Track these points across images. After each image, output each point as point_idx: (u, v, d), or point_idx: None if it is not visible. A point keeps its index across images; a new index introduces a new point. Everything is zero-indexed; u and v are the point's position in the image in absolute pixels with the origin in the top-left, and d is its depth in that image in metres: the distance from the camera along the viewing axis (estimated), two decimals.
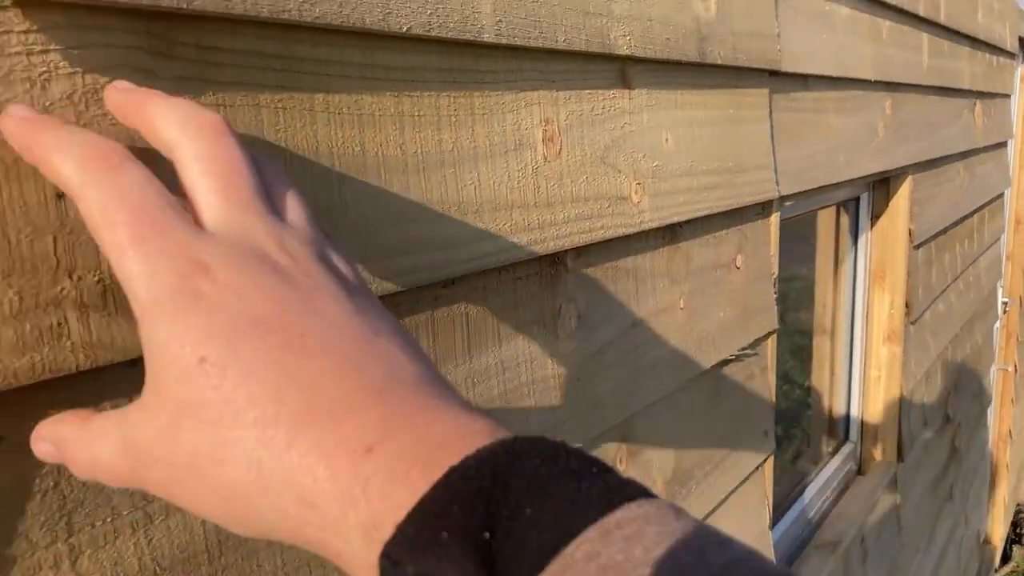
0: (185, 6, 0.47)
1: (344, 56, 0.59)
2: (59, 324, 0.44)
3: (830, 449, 2.14)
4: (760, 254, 1.28)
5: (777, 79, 1.28)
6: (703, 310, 1.11)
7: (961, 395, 2.92)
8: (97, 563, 0.47)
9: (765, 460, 1.33)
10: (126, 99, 0.43)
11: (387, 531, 0.33)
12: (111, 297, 0.46)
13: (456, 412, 0.37)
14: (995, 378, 4.42)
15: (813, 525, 1.87)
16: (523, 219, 0.76)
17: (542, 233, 0.79)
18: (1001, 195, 3.43)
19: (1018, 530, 5.92)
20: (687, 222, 1.06)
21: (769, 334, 1.32)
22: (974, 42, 2.65)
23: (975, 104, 2.76)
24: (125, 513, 0.48)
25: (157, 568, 0.49)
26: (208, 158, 0.40)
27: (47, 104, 0.43)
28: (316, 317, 0.38)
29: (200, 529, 0.52)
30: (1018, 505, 6.22)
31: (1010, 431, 4.45)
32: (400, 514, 0.32)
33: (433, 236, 0.67)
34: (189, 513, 0.51)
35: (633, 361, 0.96)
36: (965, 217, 2.74)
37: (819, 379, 2.20)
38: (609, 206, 0.89)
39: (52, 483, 0.45)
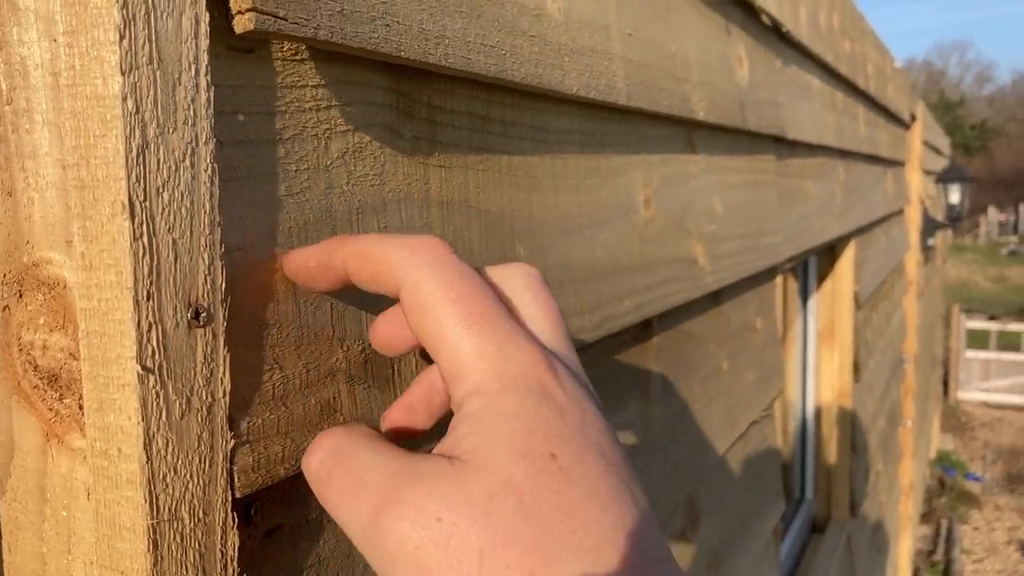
0: (431, 60, 0.45)
1: (522, 118, 0.58)
2: (334, 398, 0.40)
3: (789, 508, 2.18)
4: (771, 315, 1.31)
5: (779, 145, 1.33)
6: (738, 372, 1.13)
7: (888, 451, 3.04)
8: None
9: (776, 522, 1.35)
10: (337, 247, 0.37)
11: None
12: (371, 368, 0.43)
13: None
14: (900, 434, 4.63)
15: None
16: (632, 282, 0.76)
17: (644, 296, 0.78)
18: (903, 259, 3.64)
19: None
20: (725, 287, 1.08)
21: (779, 394, 1.34)
22: (887, 114, 2.83)
23: (887, 172, 2.94)
24: None
25: None
26: (445, 284, 0.34)
27: (327, 163, 0.40)
28: (604, 463, 0.33)
29: None
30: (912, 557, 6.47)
31: (911, 483, 4.65)
32: None
33: (575, 301, 0.65)
34: None
35: (697, 426, 0.96)
36: (884, 279, 2.89)
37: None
38: (686, 269, 0.89)
39: (315, 574, 0.41)
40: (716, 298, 1.05)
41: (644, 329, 0.83)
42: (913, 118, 4.18)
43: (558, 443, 0.32)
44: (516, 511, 0.30)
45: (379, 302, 0.43)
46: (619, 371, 0.78)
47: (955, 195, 4.58)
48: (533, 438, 0.31)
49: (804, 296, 2.20)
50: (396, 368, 0.45)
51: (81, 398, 0.33)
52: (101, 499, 0.32)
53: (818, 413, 2.21)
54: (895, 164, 3.19)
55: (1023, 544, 6.86)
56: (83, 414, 0.32)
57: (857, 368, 2.20)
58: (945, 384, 10.79)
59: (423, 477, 0.31)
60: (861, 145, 2.19)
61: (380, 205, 0.44)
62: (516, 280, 0.37)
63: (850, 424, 2.20)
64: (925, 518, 7.35)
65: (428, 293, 0.34)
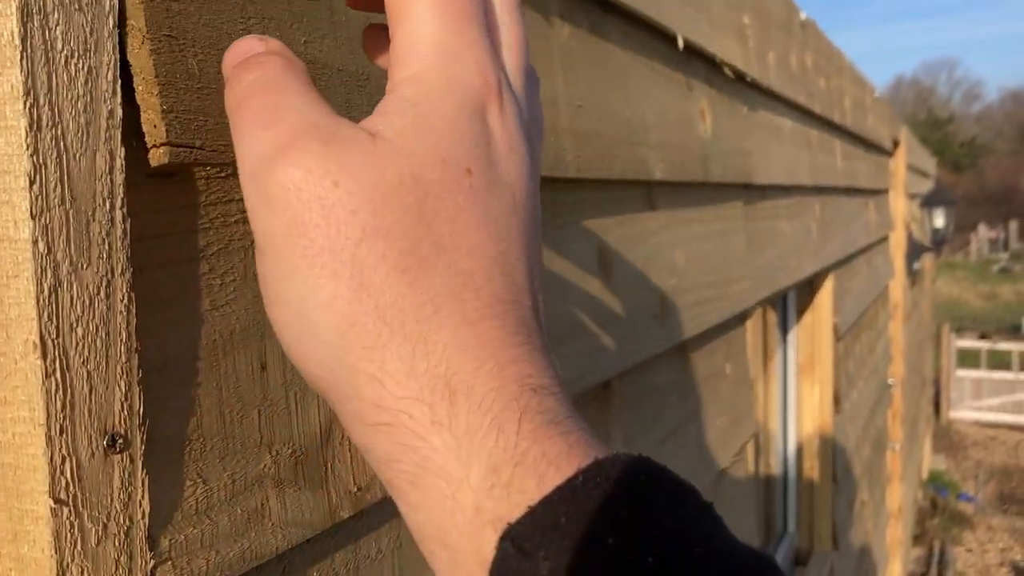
0: None
1: None
2: (262, 505, 0.41)
3: (772, 541, 2.19)
4: (741, 359, 1.32)
5: (747, 191, 1.35)
6: (708, 421, 1.13)
7: (873, 477, 3.04)
8: None
9: None
10: None
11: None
12: (301, 469, 0.43)
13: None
14: (888, 458, 4.64)
15: None
16: (587, 346, 0.77)
17: (601, 359, 0.79)
18: (887, 285, 3.66)
19: None
20: (692, 338, 1.09)
21: (751, 437, 1.35)
22: (867, 144, 2.85)
23: (868, 201, 2.96)
24: None
25: None
26: None
27: (255, 272, 0.41)
28: (512, 207, 0.32)
29: None
30: None
31: (900, 507, 4.65)
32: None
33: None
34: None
35: None
36: (867, 308, 2.91)
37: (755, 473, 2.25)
38: (645, 326, 0.90)
39: None
40: (682, 349, 1.06)
41: (603, 389, 0.84)
42: (896, 143, 4.22)
43: (477, 163, 0.31)
44: (414, 208, 0.29)
45: (308, 402, 0.44)
46: None
47: (940, 219, 4.62)
48: (456, 148, 0.30)
49: (784, 329, 2.21)
50: (329, 467, 0.45)
51: None
52: None
53: (799, 445, 2.22)
54: (878, 192, 3.22)
55: (1016, 566, 6.85)
56: None
57: (837, 400, 2.21)
58: (937, 404, 10.81)
59: (340, 138, 0.30)
60: (838, 179, 2.21)
61: None
62: None
63: (831, 456, 2.20)
64: (918, 540, 7.34)
65: None
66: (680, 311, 1.00)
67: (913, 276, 4.80)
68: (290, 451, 0.43)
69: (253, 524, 0.40)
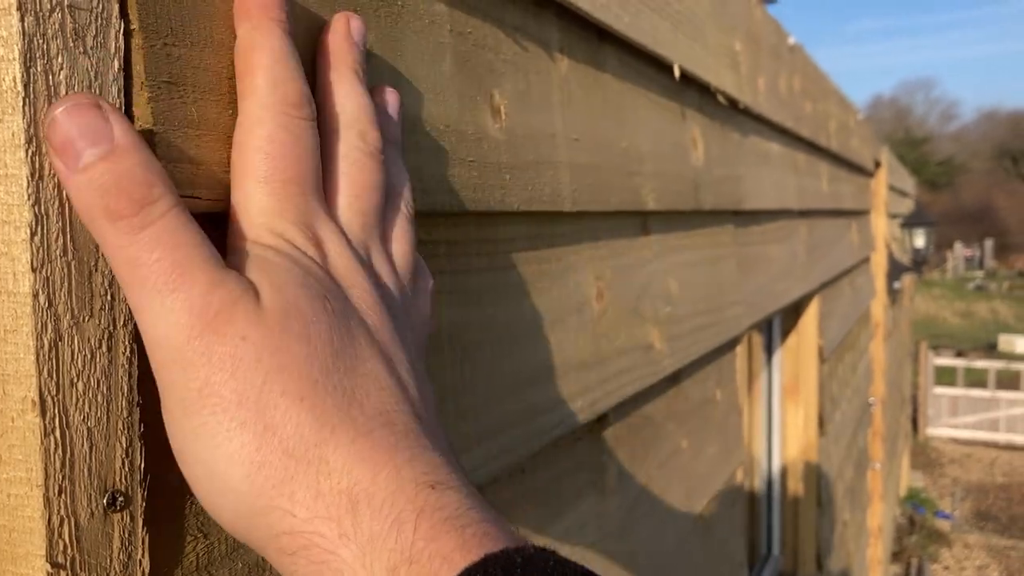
0: None
1: (465, 235, 0.58)
2: (263, 558, 0.40)
3: (757, 564, 2.18)
4: (731, 385, 1.31)
5: (737, 216, 1.34)
6: (699, 448, 1.13)
7: (855, 498, 3.05)
8: None
9: None
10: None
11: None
12: None
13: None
14: (868, 477, 4.65)
15: None
16: (585, 379, 0.76)
17: (598, 392, 0.78)
18: (869, 305, 3.68)
19: None
20: (686, 366, 1.08)
21: (741, 463, 1.34)
22: (851, 166, 2.87)
23: (851, 223, 2.98)
24: None
25: None
26: (265, 137, 0.35)
27: None
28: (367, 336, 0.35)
29: None
30: None
31: (880, 526, 4.66)
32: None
33: (528, 407, 0.65)
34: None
35: (657, 510, 0.96)
36: (850, 329, 2.92)
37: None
38: (641, 356, 0.89)
39: None
40: (675, 378, 1.05)
41: (599, 422, 0.83)
42: (877, 164, 4.25)
43: (329, 293, 0.34)
44: (303, 338, 0.32)
45: None
46: (575, 468, 0.77)
47: (920, 239, 4.65)
48: (308, 282, 0.34)
49: (769, 351, 2.22)
50: None
51: None
52: None
53: (784, 468, 2.21)
54: (860, 213, 3.24)
55: None
56: None
57: (822, 422, 2.21)
58: (914, 421, 10.89)
59: (240, 294, 0.32)
60: (824, 202, 2.21)
61: None
62: (357, 141, 0.39)
63: (816, 479, 2.20)
64: (896, 557, 7.37)
65: (247, 131, 0.35)
66: (674, 340, 1.00)
67: (893, 295, 4.83)
68: None
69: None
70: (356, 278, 0.36)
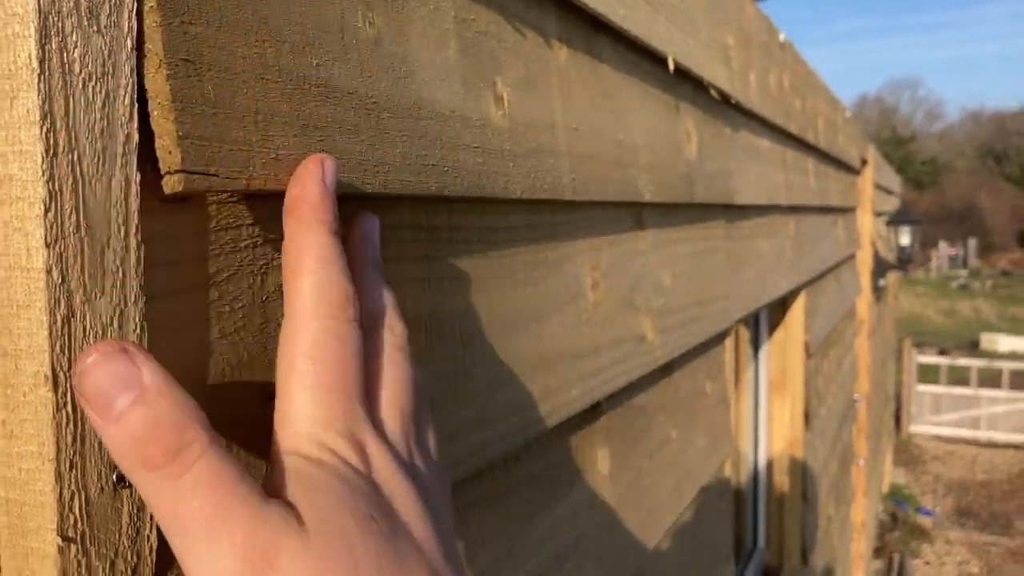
0: (369, 190, 0.46)
1: (467, 222, 0.58)
2: None
3: (743, 558, 2.19)
4: (720, 378, 1.32)
5: (728, 210, 1.35)
6: (688, 439, 1.13)
7: (840, 493, 3.07)
8: None
9: None
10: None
11: None
12: None
13: None
14: (853, 473, 4.69)
15: None
16: (580, 368, 0.76)
17: (592, 381, 0.79)
18: (854, 302, 3.70)
19: None
20: (677, 357, 1.09)
21: (728, 456, 1.35)
22: (838, 163, 2.89)
23: (838, 219, 2.99)
24: None
25: None
26: (313, 343, 0.35)
27: (264, 298, 0.40)
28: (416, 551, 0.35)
29: None
30: None
31: (863, 522, 4.70)
32: None
33: (523, 394, 0.66)
34: None
35: (646, 500, 0.96)
36: (836, 324, 2.94)
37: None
38: (635, 346, 0.90)
39: None
40: (667, 369, 1.06)
41: (592, 411, 0.83)
42: (864, 162, 4.28)
43: (375, 516, 0.34)
44: (348, 565, 0.32)
45: None
46: (567, 456, 0.78)
47: (905, 237, 4.69)
48: (354, 501, 0.33)
49: (756, 345, 2.23)
50: None
51: None
52: None
53: (770, 462, 2.23)
54: (846, 211, 3.26)
55: None
56: None
57: (808, 417, 2.23)
58: (897, 418, 10.97)
59: (287, 529, 0.31)
60: (811, 198, 2.23)
61: None
62: (388, 336, 0.39)
63: (801, 473, 2.22)
64: (878, 553, 7.42)
65: (292, 336, 0.35)
66: (666, 331, 1.00)
67: (878, 293, 4.86)
68: None
69: None
70: (401, 485, 0.36)
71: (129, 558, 0.33)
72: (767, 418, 2.22)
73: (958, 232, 34.93)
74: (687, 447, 1.13)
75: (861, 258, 4.44)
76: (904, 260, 4.79)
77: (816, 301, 2.39)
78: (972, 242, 33.52)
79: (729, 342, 1.93)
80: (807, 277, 2.12)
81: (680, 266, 1.08)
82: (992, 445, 10.45)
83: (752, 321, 2.23)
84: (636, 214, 0.93)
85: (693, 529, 1.17)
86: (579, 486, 0.79)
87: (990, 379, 11.33)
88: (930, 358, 12.04)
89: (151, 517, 0.34)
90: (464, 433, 0.56)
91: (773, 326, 2.25)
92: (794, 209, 1.97)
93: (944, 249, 32.58)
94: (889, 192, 6.41)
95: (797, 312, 2.21)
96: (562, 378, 0.72)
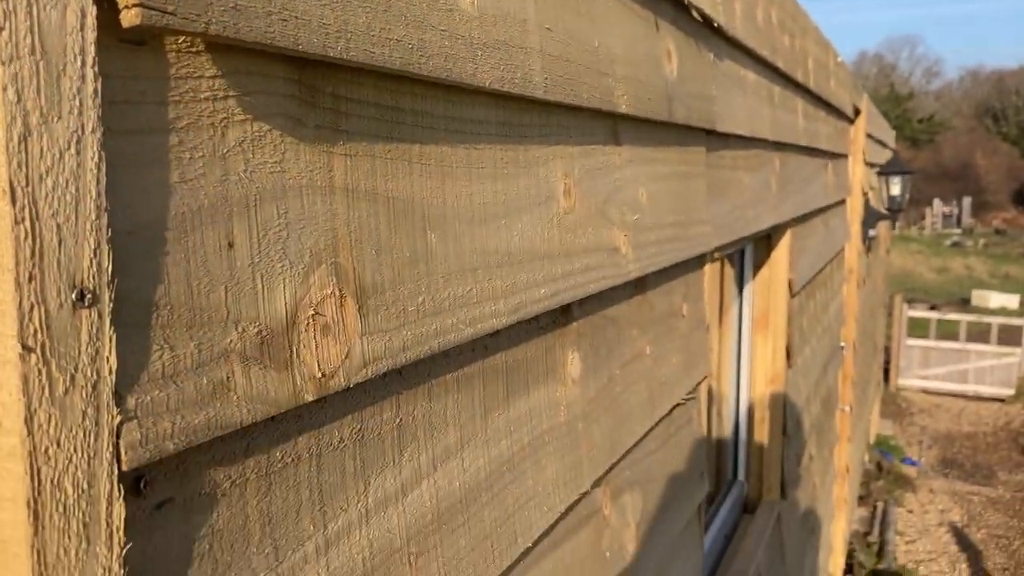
0: (331, 54, 0.47)
1: (434, 108, 0.59)
2: (228, 378, 0.42)
3: (722, 489, 2.24)
4: (698, 303, 1.34)
5: (710, 138, 1.36)
6: (662, 356, 1.16)
7: (822, 435, 3.11)
8: None
9: (701, 501, 1.39)
10: None
11: None
12: (267, 349, 0.44)
13: None
14: (837, 418, 4.74)
15: (715, 559, 1.94)
16: (550, 270, 0.78)
17: (563, 283, 0.81)
18: (843, 248, 3.72)
19: (849, 560, 6.31)
20: (651, 273, 1.11)
21: (704, 378, 1.38)
22: (828, 107, 2.88)
23: (828, 164, 3.00)
24: (262, 575, 0.46)
25: None
26: None
27: (224, 151, 0.42)
28: None
29: None
30: (849, 537, 6.64)
31: (847, 466, 4.77)
32: None
33: (489, 287, 0.67)
34: None
35: (617, 408, 0.99)
36: (822, 268, 2.96)
37: (707, 422, 2.29)
38: (607, 257, 0.92)
39: (207, 546, 0.42)
40: (641, 285, 1.08)
41: (563, 314, 0.85)
42: (857, 112, 4.26)
43: None
44: None
45: (275, 285, 0.45)
46: (536, 355, 0.80)
47: (896, 187, 4.69)
48: None
49: (740, 284, 2.25)
50: (294, 350, 0.46)
51: None
52: None
53: (752, 398, 2.26)
54: (837, 156, 3.26)
55: (953, 526, 7.07)
56: None
57: (790, 354, 2.26)
58: (886, 371, 11.06)
59: None
60: (799, 138, 2.23)
61: (280, 192, 0.45)
62: None
63: (782, 408, 2.25)
64: (863, 501, 7.54)
65: None
66: (640, 247, 1.02)
67: (869, 243, 4.88)
68: (256, 330, 0.44)
69: (218, 395, 0.41)
70: None
71: (89, 374, 0.35)
72: (750, 355, 2.25)
73: (953, 191, 34.87)
74: (661, 363, 1.15)
75: (851, 206, 4.45)
76: (894, 210, 4.80)
77: (802, 241, 2.41)
78: (967, 201, 33.50)
79: (712, 276, 1.95)
80: (792, 215, 2.14)
81: (657, 185, 1.09)
82: (979, 398, 10.56)
83: (737, 259, 2.25)
84: (611, 127, 0.94)
85: (669, 442, 1.20)
86: (548, 384, 0.81)
87: (979, 334, 11.41)
88: (920, 312, 12.11)
89: (110, 340, 0.35)
90: (424, 315, 0.58)
91: (758, 265, 2.27)
92: (780, 146, 1.98)
93: (939, 207, 32.56)
94: (883, 145, 6.40)
95: (782, 251, 2.23)
96: (530, 276, 0.74)
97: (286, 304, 0.46)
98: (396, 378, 0.58)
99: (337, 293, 0.50)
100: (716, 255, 1.84)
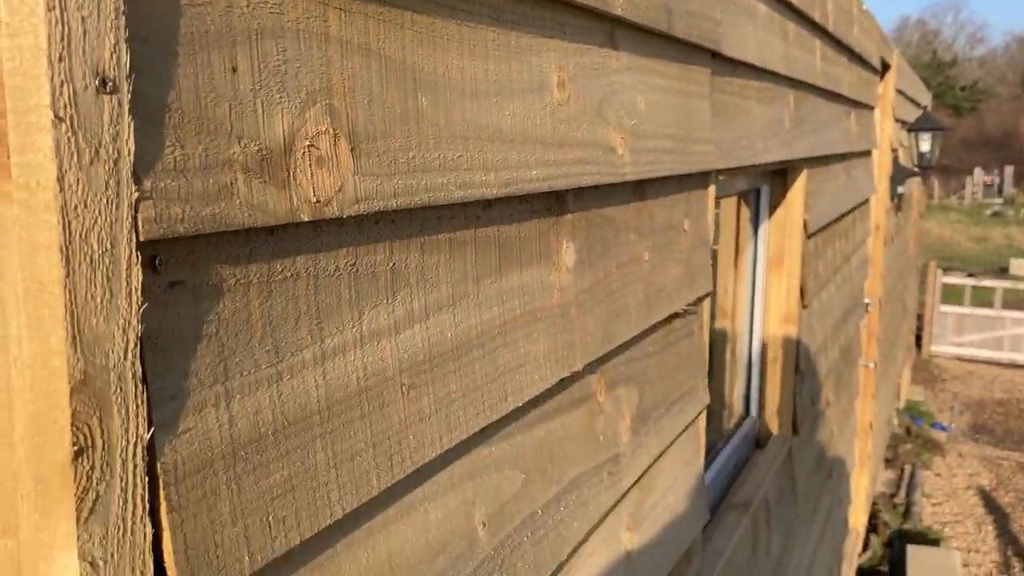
0: None
1: None
2: (231, 183, 0.48)
3: (733, 423, 2.29)
4: (701, 221, 1.39)
5: (716, 61, 1.40)
6: (661, 264, 1.21)
7: (841, 383, 3.15)
8: (243, 408, 0.51)
9: (701, 412, 1.44)
10: None
11: None
12: (266, 166, 0.51)
13: None
14: (860, 373, 4.76)
15: (723, 488, 2.01)
16: (542, 155, 0.84)
17: (555, 170, 0.86)
18: (868, 200, 3.73)
19: (874, 520, 6.35)
20: (651, 181, 1.16)
21: (706, 295, 1.43)
22: (851, 54, 2.89)
23: (851, 112, 3.01)
24: (264, 367, 0.52)
25: (285, 421, 0.54)
26: None
27: None
28: None
29: (315, 394, 0.57)
30: (875, 498, 6.67)
31: (871, 423, 4.80)
32: None
33: (479, 157, 0.73)
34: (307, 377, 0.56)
35: (612, 303, 1.05)
36: (843, 216, 2.98)
37: (721, 359, 2.35)
38: (603, 154, 0.97)
39: (215, 329, 0.49)
40: (640, 192, 1.13)
41: (558, 203, 0.91)
42: (887, 66, 4.24)
43: None
44: None
45: (274, 111, 0.51)
46: (530, 236, 0.86)
47: (926, 143, 4.66)
48: None
49: (755, 224, 2.29)
50: (291, 173, 0.53)
51: (8, 149, 0.40)
52: (24, 224, 0.40)
53: (765, 337, 2.31)
54: (862, 107, 3.26)
55: (981, 489, 7.07)
56: (9, 160, 0.40)
57: (804, 294, 2.30)
58: (919, 338, 11.00)
59: None
60: (816, 79, 2.25)
61: (279, 31, 0.52)
62: None
63: (795, 347, 2.30)
64: (890, 464, 7.55)
65: None
66: (638, 152, 1.07)
67: (898, 201, 4.86)
68: (256, 147, 0.50)
69: (223, 196, 0.48)
70: None
71: (111, 152, 0.41)
72: (764, 294, 2.29)
73: (995, 160, 34.22)
74: (660, 271, 1.20)
75: (880, 161, 4.44)
76: (924, 167, 4.77)
77: (820, 184, 2.43)
78: (1009, 170, 32.86)
79: (728, 210, 2.00)
80: (806, 154, 2.17)
81: (656, 96, 1.14)
82: (1014, 365, 10.46)
83: (753, 200, 2.29)
84: (608, 31, 0.99)
85: (666, 349, 1.25)
86: (542, 266, 0.87)
87: (1015, 301, 11.29)
88: (955, 279, 11.98)
89: (129, 125, 0.42)
90: (414, 169, 0.64)
91: (774, 206, 2.30)
92: (795, 83, 2.01)
93: (979, 176, 32.01)
94: (916, 104, 6.34)
95: (798, 190, 2.26)
96: (522, 156, 0.80)
97: (284, 132, 0.52)
98: (389, 225, 0.64)
99: (331, 132, 0.56)
100: (731, 192, 1.88)
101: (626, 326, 1.08)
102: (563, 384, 0.94)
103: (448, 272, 0.72)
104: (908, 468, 7.38)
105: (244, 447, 0.51)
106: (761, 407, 2.34)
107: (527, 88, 0.81)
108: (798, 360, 2.31)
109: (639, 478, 1.17)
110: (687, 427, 1.37)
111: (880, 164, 4.62)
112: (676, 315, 1.29)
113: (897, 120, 4.74)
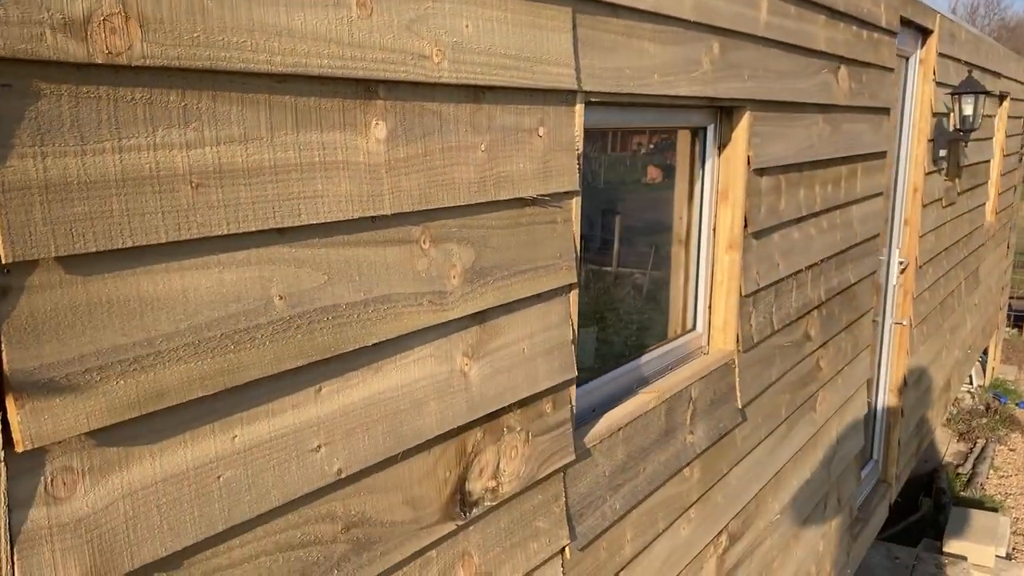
0: None
1: None
2: (41, 35, 0.88)
3: (678, 331, 2.60)
4: (564, 132, 1.72)
5: (583, 3, 1.73)
6: (504, 157, 1.56)
7: (829, 323, 3.38)
8: (55, 164, 0.91)
9: (570, 289, 1.78)
10: None
11: None
12: (69, 29, 0.90)
13: None
14: (892, 331, 4.90)
15: (645, 380, 2.32)
16: (338, 51, 1.21)
17: (354, 63, 1.23)
18: (879, 155, 3.89)
19: (931, 487, 6.40)
20: (488, 88, 1.51)
21: (571, 193, 1.76)
22: (832, 12, 3.11)
23: (839, 68, 3.22)
24: (71, 145, 0.92)
25: (86, 177, 0.94)
26: None
27: None
28: None
29: (112, 169, 0.96)
30: (937, 467, 6.70)
31: (905, 380, 4.92)
32: None
33: (268, 45, 1.11)
34: None
35: (435, 175, 1.41)
36: (827, 162, 3.20)
37: (675, 281, 2.65)
38: (412, 60, 1.33)
39: (33, 115, 0.89)
40: (475, 95, 1.49)
41: (366, 91, 1.28)
42: (926, 31, 4.38)
43: None
44: None
45: None
46: (331, 109, 1.23)
47: (968, 107, 4.74)
48: None
49: (704, 160, 2.58)
50: (88, 34, 0.92)
51: None
52: None
53: (713, 262, 2.60)
54: (859, 64, 3.46)
55: None
56: None
57: (747, 223, 2.57)
58: (1019, 319, 10.72)
59: None
60: (762, 31, 2.52)
61: None
62: None
63: (740, 272, 2.58)
64: (963, 437, 7.52)
65: None
66: (460, 63, 1.43)
67: (939, 163, 4.95)
68: (61, 16, 0.90)
69: (35, 39, 0.87)
70: None
71: None
72: (712, 225, 2.58)
73: None
74: (502, 162, 1.55)
75: (916, 123, 4.56)
76: (965, 130, 4.84)
77: (775, 127, 2.69)
78: None
79: (682, 146, 2.30)
80: (744, 96, 2.44)
81: (488, 24, 1.49)
82: None
83: (701, 137, 2.57)
84: None
85: (515, 229, 1.60)
86: (346, 133, 1.24)
87: None
88: None
89: None
90: (198, 45, 1.03)
91: (723, 145, 2.59)
92: (715, 30, 2.29)
93: None
94: (998, 75, 6.30)
95: (742, 130, 2.53)
96: (313, 48, 1.17)
97: (82, 10, 0.91)
98: (180, 76, 1.03)
99: (123, 14, 0.95)
100: (673, 125, 2.19)
101: (450, 196, 1.44)
102: (375, 223, 1.31)
103: (240, 119, 1.10)
104: (981, 442, 7.34)
105: (54, 185, 0.91)
106: (709, 324, 2.63)
107: (321, 3, 1.18)
108: (742, 282, 2.59)
109: (476, 320, 1.52)
110: (543, 295, 1.71)
111: (918, 127, 4.74)
112: (527, 202, 1.64)
113: (939, 83, 4.83)
